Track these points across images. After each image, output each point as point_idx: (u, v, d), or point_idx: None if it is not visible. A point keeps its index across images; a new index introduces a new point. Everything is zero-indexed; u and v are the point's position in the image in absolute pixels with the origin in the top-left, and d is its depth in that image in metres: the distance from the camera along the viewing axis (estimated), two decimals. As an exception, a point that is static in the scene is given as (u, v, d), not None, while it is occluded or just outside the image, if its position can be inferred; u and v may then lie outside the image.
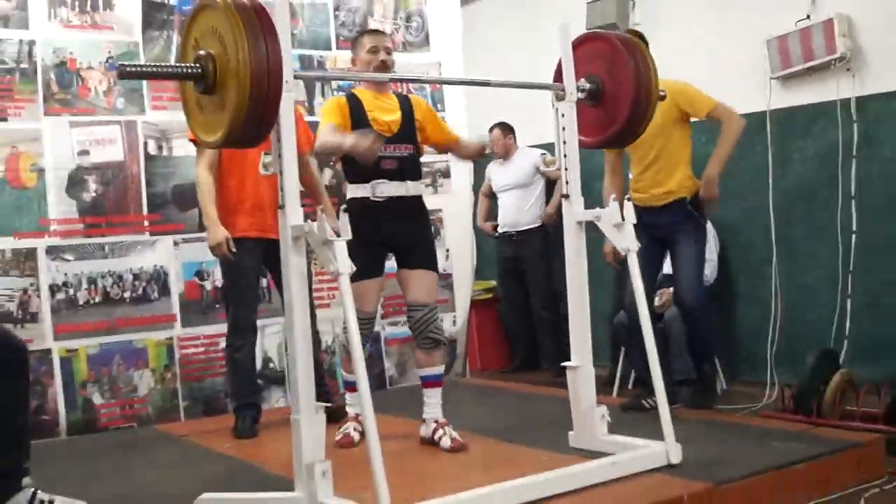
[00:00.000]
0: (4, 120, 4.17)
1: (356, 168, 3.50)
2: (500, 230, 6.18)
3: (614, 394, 5.10)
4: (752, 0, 5.15)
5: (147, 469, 3.54)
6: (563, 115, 3.36)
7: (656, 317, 4.21)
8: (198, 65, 2.54)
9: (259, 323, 4.10)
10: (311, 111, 4.76)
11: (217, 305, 4.54)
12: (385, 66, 3.55)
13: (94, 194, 4.35)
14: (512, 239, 6.11)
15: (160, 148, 4.52)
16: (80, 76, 4.34)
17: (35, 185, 4.23)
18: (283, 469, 3.02)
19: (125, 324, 4.36)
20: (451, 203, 5.29)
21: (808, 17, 4.85)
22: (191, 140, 3.86)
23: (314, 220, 2.62)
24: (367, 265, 3.32)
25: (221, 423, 4.12)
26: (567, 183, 3.37)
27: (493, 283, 6.60)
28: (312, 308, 4.11)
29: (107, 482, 3.33)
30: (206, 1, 2.55)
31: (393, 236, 3.53)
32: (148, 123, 4.49)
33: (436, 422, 3.53)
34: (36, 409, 3.99)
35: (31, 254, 4.19)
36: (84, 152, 4.34)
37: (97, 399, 4.27)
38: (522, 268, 6.11)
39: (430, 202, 3.76)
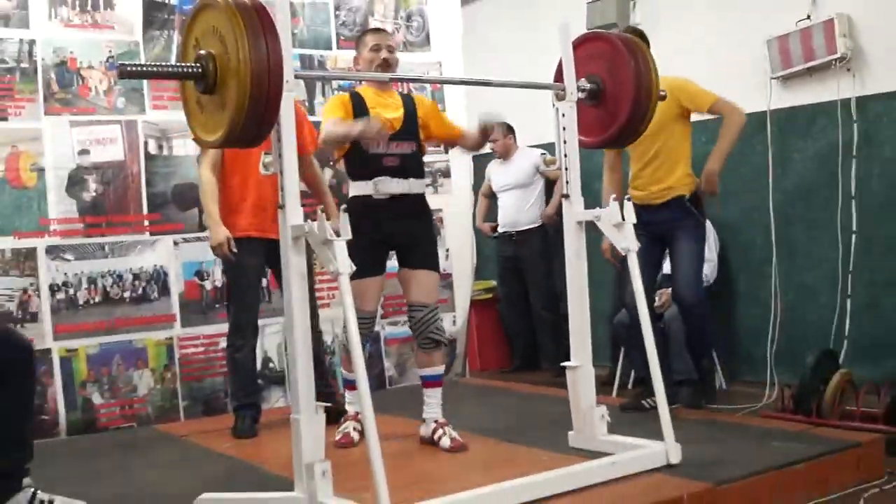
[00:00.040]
0: (5, 119, 4.17)
1: (358, 165, 3.50)
2: (499, 230, 6.18)
3: (614, 394, 5.10)
4: (752, 0, 5.15)
5: (147, 469, 3.54)
6: (563, 115, 3.35)
7: (656, 316, 4.21)
8: (198, 64, 2.54)
9: (259, 323, 4.10)
10: (311, 111, 4.76)
11: (217, 305, 4.55)
12: (387, 65, 3.54)
13: (94, 194, 4.35)
14: (512, 239, 6.10)
15: (160, 147, 4.52)
16: (80, 76, 4.34)
17: (35, 184, 4.23)
18: (282, 469, 3.01)
19: (125, 324, 4.36)
20: (451, 203, 5.30)
21: (809, 17, 4.85)
22: (195, 139, 3.86)
23: (314, 220, 2.62)
24: (367, 263, 3.31)
25: (221, 423, 4.12)
26: (567, 183, 3.37)
27: (493, 282, 6.60)
28: (315, 307, 4.13)
29: (106, 482, 3.33)
30: (206, 0, 2.55)
31: (394, 235, 3.52)
32: (148, 123, 4.49)
33: (436, 422, 3.53)
34: (36, 409, 3.98)
35: (30, 253, 4.19)
36: (84, 152, 4.34)
37: (97, 399, 4.28)
38: (522, 267, 6.10)
39: (431, 202, 3.75)
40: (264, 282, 4.33)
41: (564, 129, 3.35)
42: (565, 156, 3.36)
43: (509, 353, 6.62)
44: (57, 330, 4.21)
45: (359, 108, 3.49)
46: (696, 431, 3.52)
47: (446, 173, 5.35)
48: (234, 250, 3.80)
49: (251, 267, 3.93)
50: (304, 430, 2.63)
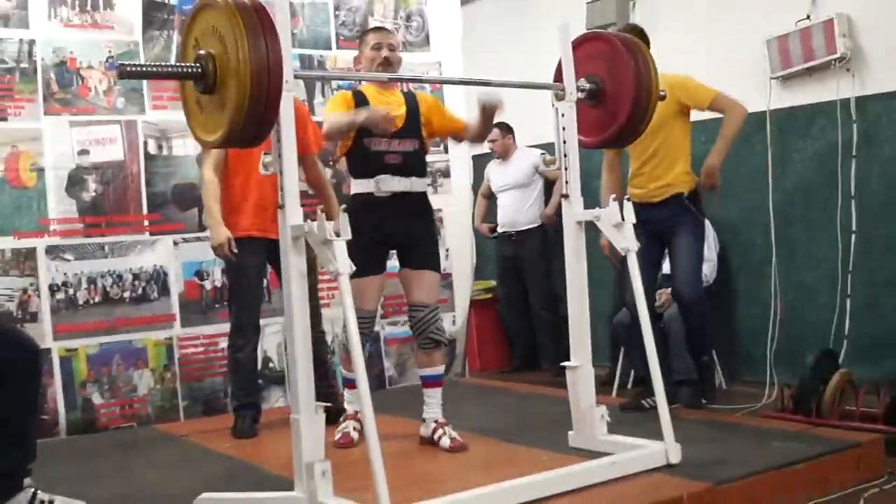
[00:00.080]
0: (4, 119, 4.17)
1: (360, 163, 3.50)
2: (499, 230, 6.18)
3: (614, 394, 5.10)
4: (752, 0, 5.15)
5: (147, 469, 3.54)
6: (562, 115, 3.35)
7: (656, 316, 4.21)
8: (198, 64, 2.54)
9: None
10: (311, 111, 4.75)
11: (217, 305, 4.55)
12: (388, 63, 3.53)
13: (93, 194, 4.35)
14: (511, 239, 6.10)
15: (160, 147, 4.52)
16: (80, 76, 4.34)
17: (35, 184, 4.23)
18: (282, 469, 3.01)
19: (125, 323, 4.36)
20: (450, 203, 5.30)
21: (808, 17, 4.85)
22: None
23: (314, 220, 2.62)
24: (367, 262, 3.31)
25: (221, 423, 4.12)
26: (567, 183, 3.37)
27: (493, 282, 6.60)
28: (318, 307, 4.13)
29: (106, 482, 3.33)
30: (206, 0, 2.55)
31: (395, 234, 3.51)
32: (148, 123, 4.49)
33: (436, 422, 3.52)
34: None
35: (30, 253, 4.19)
36: (84, 152, 4.34)
37: (97, 399, 4.28)
38: (522, 267, 6.11)
39: (431, 202, 3.74)
40: (265, 281, 4.33)
41: (564, 129, 3.35)
42: (565, 156, 3.36)
43: (509, 353, 6.62)
44: (57, 330, 4.21)
45: (361, 105, 3.48)
46: (696, 431, 3.52)
47: (446, 173, 5.35)
48: (235, 251, 3.80)
49: (252, 266, 3.93)
50: (303, 430, 2.63)
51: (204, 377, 4.53)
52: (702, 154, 4.03)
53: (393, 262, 3.63)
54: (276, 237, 2.85)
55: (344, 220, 2.67)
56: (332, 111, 3.49)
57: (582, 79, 3.41)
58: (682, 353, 4.16)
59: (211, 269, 4.55)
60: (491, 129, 3.65)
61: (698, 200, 4.02)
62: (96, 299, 4.31)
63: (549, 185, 5.97)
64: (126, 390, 4.35)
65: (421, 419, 3.59)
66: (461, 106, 5.23)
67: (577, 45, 3.44)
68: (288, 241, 2.69)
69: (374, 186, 3.46)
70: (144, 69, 2.98)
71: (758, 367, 5.01)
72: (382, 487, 2.47)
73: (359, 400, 2.65)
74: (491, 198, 6.29)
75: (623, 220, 3.24)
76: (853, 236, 4.72)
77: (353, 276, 2.65)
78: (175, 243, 4.51)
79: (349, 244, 2.65)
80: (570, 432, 3.39)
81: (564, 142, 3.36)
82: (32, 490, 2.76)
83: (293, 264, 2.69)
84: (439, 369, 3.60)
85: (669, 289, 4.35)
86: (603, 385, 4.91)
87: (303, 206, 2.72)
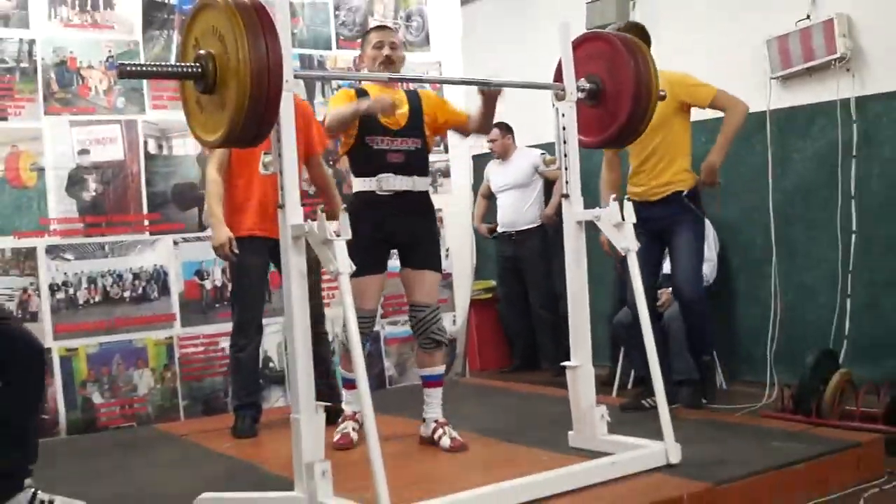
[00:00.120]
0: (4, 119, 4.17)
1: (362, 162, 3.49)
2: (499, 230, 6.18)
3: (614, 393, 5.10)
4: (752, 0, 5.15)
5: (147, 468, 3.54)
6: (563, 115, 3.35)
7: (656, 316, 4.20)
8: (198, 64, 2.54)
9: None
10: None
11: (217, 305, 4.55)
12: (390, 62, 3.52)
13: (94, 193, 4.35)
14: (511, 239, 6.10)
15: (160, 147, 4.52)
16: (80, 75, 4.34)
17: (35, 184, 4.23)
18: (282, 469, 3.01)
19: (125, 323, 4.36)
20: (450, 203, 5.29)
21: (808, 17, 4.85)
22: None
23: (314, 220, 2.62)
24: (368, 262, 3.31)
25: (221, 423, 4.12)
26: (567, 183, 3.37)
27: (493, 282, 6.60)
28: (321, 308, 4.13)
29: (106, 482, 3.33)
30: (206, 0, 2.55)
31: (396, 233, 3.51)
32: (148, 122, 4.49)
33: (436, 422, 3.52)
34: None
35: (30, 253, 4.19)
36: (84, 151, 4.34)
37: (97, 398, 4.28)
38: (521, 267, 6.11)
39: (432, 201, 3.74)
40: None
41: (564, 128, 3.35)
42: (565, 156, 3.36)
43: (509, 353, 6.62)
44: (57, 329, 4.21)
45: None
46: (696, 431, 3.52)
47: (446, 173, 5.35)
48: (236, 251, 3.80)
49: (255, 266, 3.92)
50: (304, 430, 2.63)
51: (204, 377, 4.53)
52: (702, 154, 4.03)
53: (393, 262, 3.63)
54: (279, 237, 2.84)
55: (344, 220, 2.67)
56: (334, 106, 3.48)
57: (582, 79, 3.41)
58: (683, 352, 4.16)
59: (211, 268, 4.55)
60: (493, 118, 3.59)
61: (698, 200, 4.02)
62: (96, 299, 4.32)
63: (549, 185, 5.97)
64: (126, 390, 4.35)
65: (421, 419, 3.59)
66: (461, 106, 5.24)
67: (577, 44, 3.44)
68: (288, 241, 2.69)
69: (376, 185, 3.45)
70: (144, 69, 2.97)
71: (758, 367, 5.01)
72: (382, 487, 2.47)
73: (359, 400, 2.65)
74: (490, 198, 6.29)
75: (623, 219, 3.24)
76: (853, 236, 4.72)
77: (353, 275, 2.65)
78: (175, 243, 4.51)
79: (350, 242, 2.65)
80: (570, 432, 3.39)
81: (564, 142, 3.36)
82: (32, 490, 2.76)
83: (293, 264, 2.69)
84: (440, 369, 3.60)
85: (670, 288, 4.35)
86: (603, 385, 4.90)
87: (306, 205, 2.72)
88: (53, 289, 4.22)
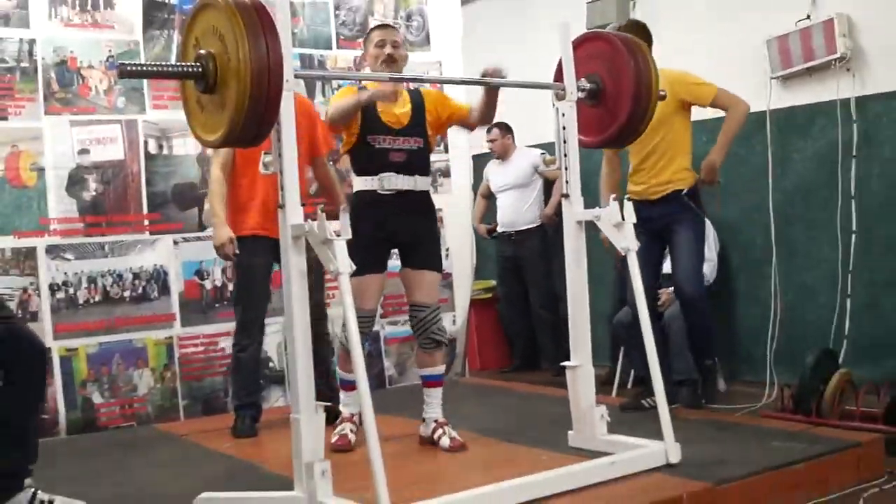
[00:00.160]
0: (5, 119, 4.17)
1: (364, 160, 3.49)
2: (498, 230, 6.18)
3: (614, 393, 5.10)
4: (752, 0, 5.15)
5: (147, 468, 3.54)
6: (563, 115, 3.36)
7: (656, 315, 4.20)
8: (198, 64, 2.54)
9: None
10: (311, 111, 4.76)
11: (216, 305, 4.55)
12: (392, 60, 3.50)
13: (94, 193, 4.35)
14: (511, 239, 6.11)
15: (160, 147, 4.52)
16: (80, 75, 4.34)
17: (35, 184, 4.23)
18: (282, 468, 3.01)
19: (125, 323, 4.36)
20: (450, 203, 5.29)
21: (809, 17, 4.86)
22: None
23: (314, 220, 2.62)
24: (369, 261, 3.31)
25: (221, 423, 4.12)
26: (567, 183, 3.37)
27: (493, 282, 6.60)
28: (323, 309, 4.12)
29: (106, 481, 3.33)
30: (206, 0, 2.55)
31: (398, 233, 3.50)
32: (148, 122, 4.49)
33: (435, 421, 3.52)
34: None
35: (30, 253, 4.19)
36: (84, 151, 4.34)
37: (97, 398, 4.28)
38: (521, 267, 6.11)
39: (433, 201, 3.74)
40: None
41: (564, 128, 3.35)
42: (565, 155, 3.36)
43: (509, 353, 6.62)
44: (57, 329, 4.21)
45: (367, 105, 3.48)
46: (696, 431, 3.52)
47: (446, 173, 5.35)
48: (237, 251, 3.80)
49: (258, 266, 3.91)
50: (303, 430, 2.63)
51: (204, 377, 4.53)
52: (703, 154, 4.03)
53: (393, 262, 3.62)
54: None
55: (344, 220, 2.67)
56: (336, 100, 3.48)
57: (582, 78, 3.41)
58: (683, 352, 4.16)
59: (211, 268, 4.56)
60: (496, 107, 3.57)
61: (698, 199, 4.02)
62: (96, 299, 4.32)
63: (549, 184, 5.97)
64: (126, 390, 4.35)
65: (421, 419, 3.59)
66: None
67: (578, 44, 3.44)
68: (288, 241, 2.69)
69: (377, 184, 3.45)
70: (145, 69, 2.97)
71: (758, 366, 5.01)
72: (382, 486, 2.47)
73: (358, 399, 2.65)
74: (490, 198, 6.29)
75: (623, 219, 3.24)
76: (853, 236, 4.72)
77: (353, 274, 2.65)
78: (175, 243, 4.51)
79: (351, 241, 2.65)
80: (569, 432, 3.39)
81: (565, 141, 3.36)
82: (32, 490, 2.76)
83: (293, 264, 2.69)
84: (440, 369, 3.60)
85: (670, 288, 4.35)
86: (603, 385, 4.91)
87: (311, 205, 2.72)
88: (53, 288, 4.22)
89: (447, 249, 5.22)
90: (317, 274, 3.82)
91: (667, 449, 3.08)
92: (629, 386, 5.19)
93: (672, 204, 3.96)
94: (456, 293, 5.35)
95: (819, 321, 4.81)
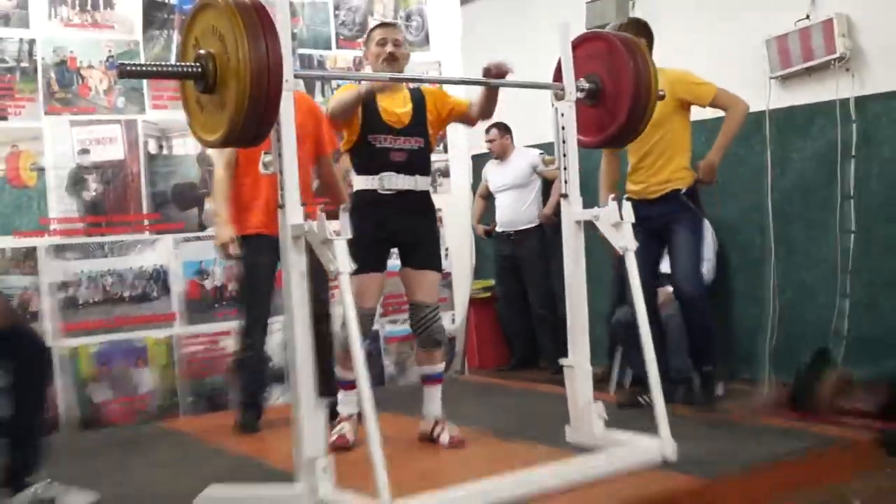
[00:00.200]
0: (5, 119, 4.18)
1: (365, 159, 3.50)
2: (497, 230, 6.19)
3: (611, 391, 5.11)
4: (752, 0, 5.16)
5: (149, 466, 3.55)
6: (562, 115, 3.37)
7: (654, 314, 4.18)
8: (198, 64, 2.55)
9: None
10: (310, 110, 4.77)
11: (217, 304, 4.56)
12: (394, 58, 3.50)
13: (94, 193, 4.37)
14: (510, 238, 6.12)
15: (161, 147, 4.53)
16: (80, 75, 4.36)
17: (35, 184, 4.24)
18: (284, 464, 3.01)
19: (126, 322, 4.37)
20: (450, 202, 5.30)
21: (808, 17, 4.86)
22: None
23: (314, 220, 2.64)
24: (369, 259, 3.32)
25: (223, 420, 4.13)
26: (566, 182, 3.38)
27: (492, 281, 6.61)
28: (327, 308, 4.12)
29: (108, 480, 3.33)
30: (206, 0, 2.56)
31: (398, 232, 3.51)
32: (148, 122, 4.50)
33: (435, 419, 3.54)
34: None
35: (31, 253, 4.20)
36: (84, 151, 4.35)
37: (98, 397, 4.29)
38: (520, 266, 6.11)
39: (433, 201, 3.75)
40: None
41: (563, 128, 3.36)
42: (564, 155, 3.37)
43: (507, 352, 6.63)
44: (57, 329, 4.22)
45: (369, 99, 3.46)
46: (693, 428, 3.52)
47: (445, 173, 5.36)
48: (238, 251, 3.81)
49: (263, 265, 3.91)
50: (305, 426, 2.64)
51: (205, 375, 4.54)
52: (702, 154, 4.04)
53: (393, 262, 3.63)
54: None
55: (344, 220, 2.68)
56: (337, 97, 3.49)
57: (581, 78, 3.42)
58: (680, 351, 4.16)
59: (211, 268, 4.57)
60: (496, 102, 3.55)
61: (697, 199, 4.03)
62: (97, 298, 4.33)
63: (547, 184, 5.98)
64: (127, 389, 4.36)
65: (420, 416, 3.60)
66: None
67: (577, 44, 3.45)
68: (288, 241, 2.70)
69: (378, 183, 3.46)
70: (144, 69, 2.99)
71: (756, 365, 5.02)
72: (382, 482, 2.48)
73: (357, 399, 2.66)
74: (488, 198, 6.30)
75: (622, 219, 3.25)
76: (852, 236, 4.72)
77: (354, 273, 2.66)
78: (175, 242, 4.52)
79: (352, 240, 2.66)
80: (567, 428, 3.40)
81: (564, 141, 3.37)
82: (34, 489, 2.77)
83: (293, 264, 2.71)
84: (439, 367, 3.61)
85: (668, 288, 4.35)
86: (600, 382, 4.89)
87: (310, 204, 2.73)
88: (54, 288, 4.23)
89: (447, 249, 5.23)
90: (318, 273, 3.83)
91: (663, 445, 3.09)
92: (627, 385, 5.20)
93: (671, 203, 3.97)
94: (455, 292, 5.37)
95: (818, 321, 4.81)
